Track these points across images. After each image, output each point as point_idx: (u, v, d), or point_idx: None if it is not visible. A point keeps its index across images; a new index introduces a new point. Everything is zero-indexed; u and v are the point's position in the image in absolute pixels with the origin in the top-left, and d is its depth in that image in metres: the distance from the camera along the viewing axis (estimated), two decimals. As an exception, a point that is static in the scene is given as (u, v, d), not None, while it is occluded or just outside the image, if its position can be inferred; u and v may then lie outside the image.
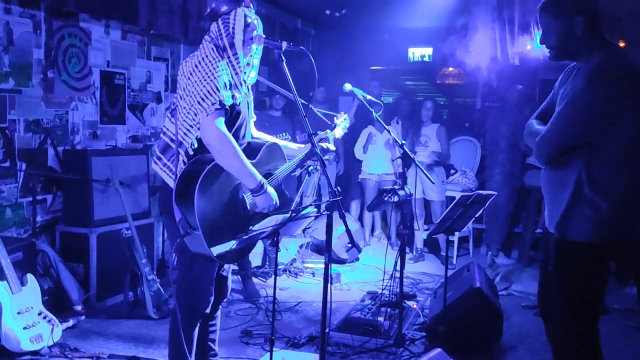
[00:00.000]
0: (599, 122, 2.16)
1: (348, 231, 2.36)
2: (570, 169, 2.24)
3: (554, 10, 2.25)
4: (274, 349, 3.45)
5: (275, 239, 2.14)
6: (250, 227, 2.08)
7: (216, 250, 1.98)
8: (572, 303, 2.30)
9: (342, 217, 2.37)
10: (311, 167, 4.75)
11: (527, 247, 5.81)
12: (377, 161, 6.14)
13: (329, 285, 2.35)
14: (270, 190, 2.50)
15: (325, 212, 2.26)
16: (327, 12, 6.53)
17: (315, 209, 2.22)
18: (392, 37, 8.19)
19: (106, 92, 4.69)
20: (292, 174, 4.58)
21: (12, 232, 3.95)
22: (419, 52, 8.55)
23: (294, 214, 2.05)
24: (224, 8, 2.43)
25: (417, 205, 5.89)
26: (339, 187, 2.39)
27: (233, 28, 2.44)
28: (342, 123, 3.15)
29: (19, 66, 3.92)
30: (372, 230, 6.77)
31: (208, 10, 2.47)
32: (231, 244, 1.97)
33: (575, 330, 2.31)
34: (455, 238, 5.93)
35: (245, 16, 2.45)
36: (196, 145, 2.41)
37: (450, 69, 10.11)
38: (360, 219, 6.61)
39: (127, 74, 4.91)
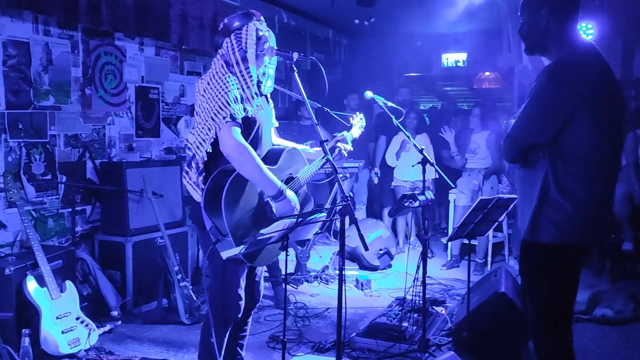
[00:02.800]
0: (556, 120, 2.16)
1: (360, 235, 2.39)
2: (538, 169, 2.24)
3: (527, 1, 2.31)
4: (299, 354, 3.54)
5: (284, 243, 2.21)
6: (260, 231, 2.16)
7: (226, 254, 2.06)
8: (540, 306, 2.31)
9: (355, 222, 2.41)
10: (340, 175, 4.83)
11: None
12: (410, 168, 6.12)
13: (343, 287, 2.41)
14: (290, 195, 2.57)
15: (336, 217, 2.30)
16: (356, 21, 6.60)
17: (324, 214, 2.27)
18: (425, 43, 8.19)
19: (141, 106, 4.90)
20: (321, 182, 4.65)
21: (54, 241, 4.17)
22: (453, 58, 8.52)
23: (301, 219, 2.11)
24: (236, 24, 2.53)
25: (461, 214, 5.85)
26: (351, 193, 2.44)
27: (246, 42, 2.53)
28: (358, 123, 3.21)
29: (58, 84, 4.16)
30: (407, 237, 6.75)
31: (221, 26, 2.58)
32: (240, 249, 2.04)
33: (545, 336, 2.30)
34: (490, 244, 5.85)
35: (257, 29, 2.54)
36: (206, 159, 2.51)
37: (487, 73, 10.02)
38: (394, 226, 6.61)
39: (161, 88, 5.12)
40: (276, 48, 2.59)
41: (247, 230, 2.47)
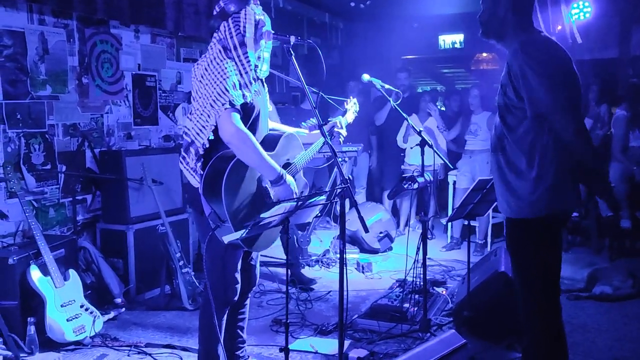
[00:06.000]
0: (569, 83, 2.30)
1: (360, 217, 2.41)
2: (523, 145, 2.36)
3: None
4: (302, 337, 3.59)
5: (284, 226, 2.22)
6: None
7: (227, 238, 2.08)
8: (527, 279, 2.43)
9: (355, 205, 2.43)
10: (340, 159, 4.84)
11: (564, 232, 5.71)
12: (417, 152, 6.12)
13: (344, 270, 2.44)
14: (289, 180, 2.59)
15: (336, 200, 2.32)
16: (352, 3, 6.56)
17: (323, 197, 2.29)
18: (421, 25, 8.15)
19: (138, 94, 4.89)
20: (320, 166, 4.65)
21: (56, 230, 4.19)
22: (450, 39, 8.48)
23: (301, 202, 2.13)
24: (233, 7, 2.51)
25: (461, 196, 5.88)
26: (350, 176, 2.45)
27: (244, 27, 2.52)
28: (352, 107, 3.23)
29: (55, 74, 4.15)
30: (408, 220, 6.77)
31: (217, 9, 2.56)
32: (240, 233, 2.06)
33: (537, 309, 2.42)
34: (489, 225, 5.89)
35: (254, 14, 2.53)
36: (207, 145, 2.51)
37: (484, 54, 9.98)
38: (396, 209, 6.64)
39: (158, 76, 5.10)
40: (273, 32, 2.59)
41: (245, 216, 2.49)
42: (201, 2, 5.14)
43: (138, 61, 4.89)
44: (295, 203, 2.10)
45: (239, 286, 2.73)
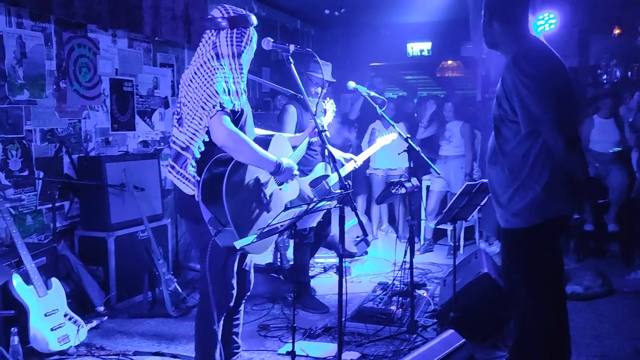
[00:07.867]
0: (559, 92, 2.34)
1: (360, 223, 2.47)
2: (523, 153, 2.39)
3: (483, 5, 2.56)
4: (291, 341, 3.60)
5: (293, 231, 2.26)
6: (270, 220, 2.20)
7: (239, 243, 2.10)
8: (536, 290, 2.44)
9: (354, 210, 2.49)
10: (322, 164, 4.89)
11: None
12: (382, 156, 6.24)
13: (343, 277, 2.48)
14: (287, 163, 2.65)
15: (337, 205, 2.37)
16: (327, 11, 6.65)
17: (330, 202, 2.34)
18: (390, 33, 8.32)
19: (116, 99, 4.82)
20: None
21: (34, 238, 4.09)
22: (418, 47, 8.67)
23: (309, 207, 2.17)
24: (243, 22, 2.54)
25: (435, 199, 6.03)
26: (349, 181, 2.51)
27: (246, 44, 2.58)
28: (330, 108, 3.31)
29: (33, 78, 4.05)
30: (380, 224, 6.89)
31: (225, 14, 2.54)
32: (252, 238, 2.09)
33: (548, 316, 2.44)
34: (462, 228, 6.05)
35: (256, 40, 2.60)
36: (203, 148, 2.51)
37: (450, 62, 10.24)
38: (368, 213, 6.73)
39: (135, 81, 5.05)
40: (272, 40, 2.63)
41: (245, 217, 2.52)
42: (178, 8, 5.12)
43: (115, 66, 4.83)
44: (305, 208, 2.15)
45: (234, 292, 2.75)
